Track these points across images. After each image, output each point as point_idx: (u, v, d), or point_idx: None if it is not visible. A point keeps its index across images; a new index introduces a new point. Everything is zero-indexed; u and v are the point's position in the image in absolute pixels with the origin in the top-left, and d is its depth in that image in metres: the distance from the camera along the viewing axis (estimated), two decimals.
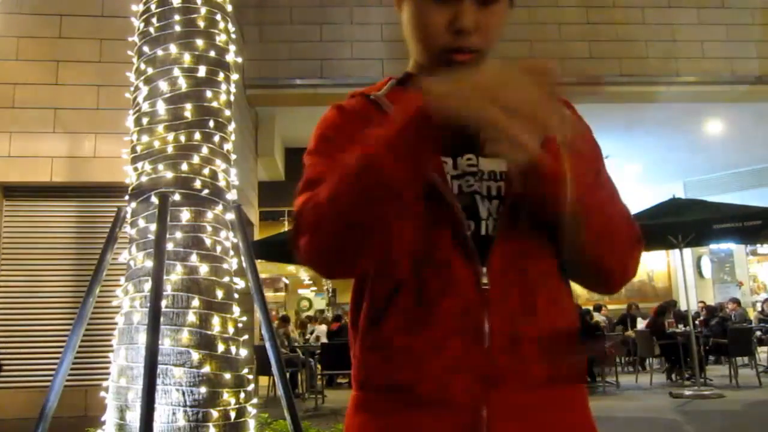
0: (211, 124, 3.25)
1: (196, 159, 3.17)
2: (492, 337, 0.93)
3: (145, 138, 3.23)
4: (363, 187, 0.85)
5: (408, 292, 0.96)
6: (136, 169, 3.24)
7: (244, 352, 3.16)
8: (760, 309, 13.13)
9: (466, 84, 0.79)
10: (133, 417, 2.83)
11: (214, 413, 2.88)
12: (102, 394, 3.10)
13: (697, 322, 10.29)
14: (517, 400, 0.93)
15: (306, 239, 0.91)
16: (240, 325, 3.20)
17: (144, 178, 3.18)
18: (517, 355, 0.94)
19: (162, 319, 2.82)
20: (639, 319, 11.94)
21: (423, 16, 1.01)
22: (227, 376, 2.98)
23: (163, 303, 2.88)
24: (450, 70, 0.99)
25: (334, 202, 0.86)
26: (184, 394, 2.86)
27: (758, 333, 11.00)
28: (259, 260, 7.92)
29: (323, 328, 11.84)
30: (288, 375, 7.82)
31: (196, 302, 3.00)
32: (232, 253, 3.31)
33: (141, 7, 3.45)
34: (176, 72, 3.24)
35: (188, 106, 3.21)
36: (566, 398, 0.99)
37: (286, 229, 12.04)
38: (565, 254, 0.98)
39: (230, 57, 3.48)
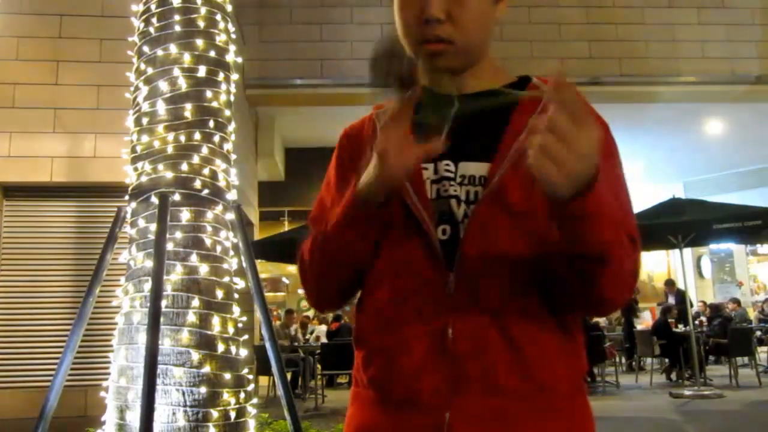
0: (211, 124, 3.25)
1: (196, 159, 3.17)
2: (456, 342, 0.94)
3: (145, 138, 3.23)
4: (323, 256, 1.04)
5: (383, 292, 1.00)
6: (136, 169, 3.24)
7: (244, 352, 3.16)
8: (760, 309, 13.12)
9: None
10: (133, 417, 2.83)
11: (214, 413, 2.88)
12: (102, 394, 3.10)
13: (697, 322, 10.29)
14: (480, 407, 0.92)
15: (305, 287, 1.11)
16: (240, 325, 3.20)
17: (144, 178, 3.18)
18: (482, 362, 0.93)
19: (162, 319, 2.82)
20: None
21: (399, 8, 1.03)
22: (227, 376, 2.98)
23: (163, 303, 2.88)
24: (427, 61, 1.02)
25: (310, 264, 1.07)
26: (184, 394, 2.86)
27: (758, 333, 10.99)
28: (259, 260, 7.93)
29: (323, 328, 11.83)
30: (290, 375, 7.81)
31: (196, 302, 3.00)
32: (232, 253, 3.31)
33: (141, 7, 3.44)
34: (176, 72, 3.24)
35: (188, 106, 3.21)
36: (546, 407, 0.95)
37: (286, 229, 12.03)
38: (559, 284, 0.94)
39: (230, 57, 3.48)
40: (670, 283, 11.79)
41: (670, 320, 9.84)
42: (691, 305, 10.00)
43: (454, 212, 0.99)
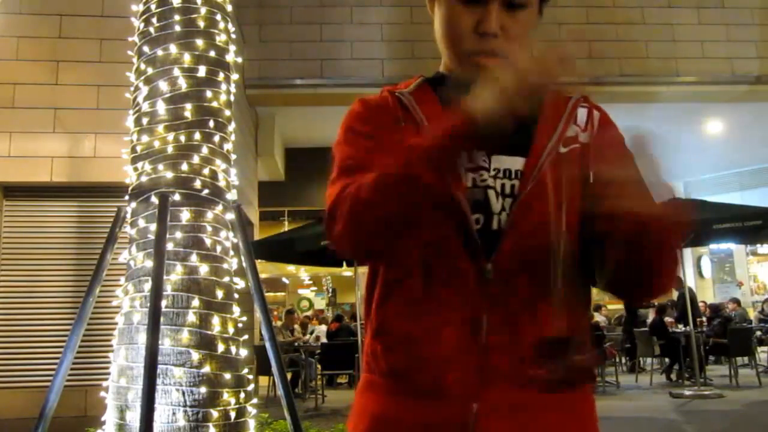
0: (211, 124, 3.25)
1: (196, 159, 3.17)
2: (489, 332, 0.94)
3: (145, 138, 3.23)
4: (400, 194, 0.90)
5: (414, 280, 0.98)
6: (136, 169, 3.24)
7: (244, 352, 3.16)
8: (760, 309, 13.12)
9: (498, 80, 0.86)
10: (133, 417, 2.83)
11: (214, 413, 2.88)
12: (102, 394, 3.10)
13: (696, 321, 10.29)
14: (508, 398, 0.94)
15: (341, 229, 0.95)
16: (240, 325, 3.20)
17: (144, 178, 3.18)
18: (514, 354, 0.95)
19: (162, 319, 2.82)
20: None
21: (451, 18, 1.03)
22: (227, 376, 2.98)
23: (163, 303, 2.88)
24: (475, 72, 1.00)
25: (371, 203, 0.91)
26: (184, 394, 2.86)
27: (758, 333, 10.99)
28: (259, 260, 7.92)
29: (323, 328, 11.84)
30: (290, 375, 7.79)
31: (196, 302, 3.00)
32: (232, 253, 3.31)
33: (141, 7, 3.45)
34: (176, 72, 3.24)
35: (188, 106, 3.21)
36: (563, 401, 0.98)
37: (286, 229, 12.03)
38: (611, 263, 0.96)
39: (230, 57, 3.48)
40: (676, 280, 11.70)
41: (668, 320, 9.84)
42: (695, 306, 9.97)
43: (491, 203, 0.99)
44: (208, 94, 3.28)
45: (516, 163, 1.01)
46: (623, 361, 11.76)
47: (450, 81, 1.09)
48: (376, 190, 0.91)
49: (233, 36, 3.59)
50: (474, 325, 0.94)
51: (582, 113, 1.07)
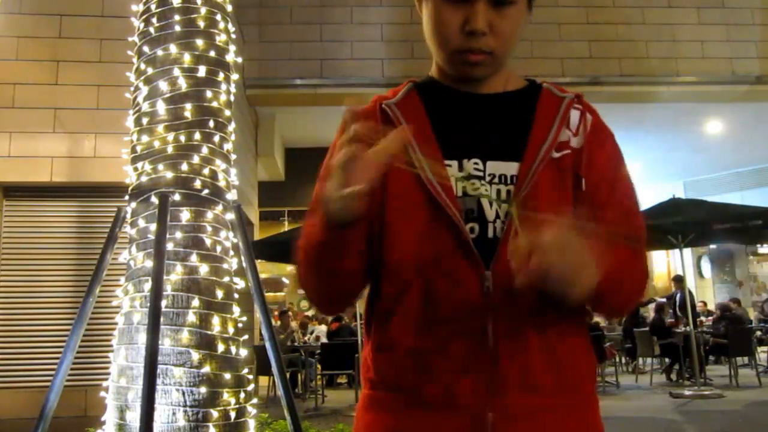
0: (211, 124, 3.25)
1: (196, 159, 3.17)
2: (496, 341, 0.94)
3: (145, 138, 3.23)
4: (312, 265, 1.01)
5: (414, 294, 0.97)
6: (136, 169, 3.24)
7: (244, 352, 3.16)
8: (760, 309, 13.12)
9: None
10: (133, 417, 2.83)
11: (214, 413, 2.88)
12: (102, 394, 3.10)
13: (699, 320, 10.28)
14: (522, 405, 0.94)
15: (298, 275, 1.06)
16: (240, 325, 3.20)
17: (144, 178, 3.18)
18: (522, 360, 0.94)
19: (162, 319, 2.81)
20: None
21: (438, 17, 1.02)
22: (227, 376, 2.98)
23: (163, 303, 2.88)
24: (464, 70, 1.03)
25: (303, 270, 1.03)
26: (184, 394, 2.86)
27: (758, 333, 10.99)
28: (259, 260, 7.92)
29: (323, 328, 11.83)
30: (288, 375, 7.79)
31: (196, 302, 3.00)
32: (232, 253, 3.31)
33: (141, 7, 3.44)
34: (176, 72, 3.24)
35: (188, 106, 3.21)
36: (573, 404, 0.98)
37: (286, 228, 12.04)
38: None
39: (230, 57, 3.48)
40: (678, 279, 11.61)
41: (669, 320, 9.83)
42: (693, 307, 9.93)
43: (485, 211, 0.99)
44: (208, 94, 3.28)
45: (511, 168, 1.00)
46: (623, 361, 11.76)
47: (438, 86, 1.09)
48: (301, 261, 1.02)
49: (233, 36, 3.59)
50: (481, 336, 0.94)
51: (575, 116, 1.06)
